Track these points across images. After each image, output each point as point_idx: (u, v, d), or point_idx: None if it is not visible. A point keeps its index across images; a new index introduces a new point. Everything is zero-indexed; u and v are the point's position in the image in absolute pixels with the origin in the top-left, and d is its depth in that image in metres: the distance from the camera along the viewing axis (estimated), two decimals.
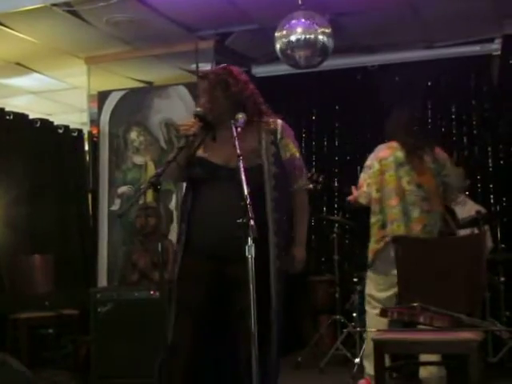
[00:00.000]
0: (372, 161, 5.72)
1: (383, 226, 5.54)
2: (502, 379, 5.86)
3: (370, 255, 5.64)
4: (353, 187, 5.81)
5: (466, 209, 7.05)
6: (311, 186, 4.13)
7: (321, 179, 6.06)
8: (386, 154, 5.65)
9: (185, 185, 3.99)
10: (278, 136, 3.89)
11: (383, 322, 5.38)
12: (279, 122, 3.97)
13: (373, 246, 5.60)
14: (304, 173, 4.00)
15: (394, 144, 5.67)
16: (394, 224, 5.49)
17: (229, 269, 3.69)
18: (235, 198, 3.36)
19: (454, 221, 5.68)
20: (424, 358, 5.25)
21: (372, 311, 5.63)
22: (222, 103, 3.86)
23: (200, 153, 3.81)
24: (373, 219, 5.65)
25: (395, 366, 5.15)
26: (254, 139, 3.84)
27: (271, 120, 3.95)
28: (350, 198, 5.80)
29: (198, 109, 3.81)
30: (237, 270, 3.52)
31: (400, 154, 5.60)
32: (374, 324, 5.46)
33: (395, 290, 5.34)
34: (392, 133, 5.78)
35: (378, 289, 5.60)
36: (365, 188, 5.68)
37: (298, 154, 3.95)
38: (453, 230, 5.62)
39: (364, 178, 5.73)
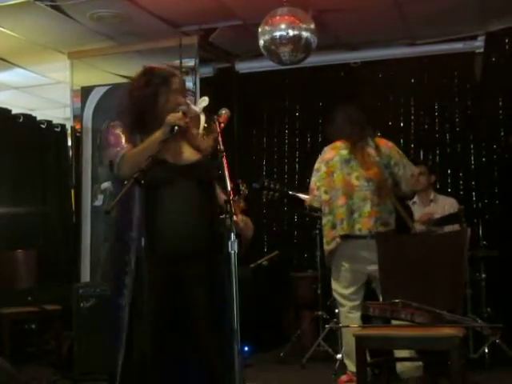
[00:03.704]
0: (319, 164, 5.81)
1: (333, 226, 5.64)
2: (483, 375, 5.89)
3: (326, 255, 5.79)
4: (304, 196, 5.92)
5: (440, 205, 7.08)
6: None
7: (277, 187, 6.09)
8: (331, 155, 5.75)
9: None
10: None
11: (353, 320, 5.46)
12: None
13: (326, 247, 5.73)
14: None
15: (338, 144, 5.77)
16: (343, 223, 5.57)
17: (190, 268, 3.74)
18: (195, 197, 3.59)
19: (409, 217, 5.73)
20: (398, 353, 5.32)
21: (342, 309, 5.72)
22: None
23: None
24: (324, 220, 5.76)
25: (377, 363, 5.17)
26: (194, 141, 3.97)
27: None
28: (306, 203, 5.92)
29: (183, 107, 3.83)
30: (198, 267, 3.72)
31: (344, 152, 5.69)
32: (346, 323, 5.55)
33: (358, 285, 5.61)
34: (335, 133, 5.84)
35: (341, 285, 5.71)
36: (315, 191, 5.78)
37: None
38: (409, 226, 5.68)
39: (314, 181, 5.82)
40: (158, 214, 3.72)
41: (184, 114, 3.75)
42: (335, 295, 5.80)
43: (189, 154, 3.88)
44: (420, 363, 5.47)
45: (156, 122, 3.74)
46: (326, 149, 5.86)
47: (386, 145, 5.76)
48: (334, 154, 5.73)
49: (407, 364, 5.44)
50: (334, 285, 5.79)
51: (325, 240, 5.74)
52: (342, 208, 5.58)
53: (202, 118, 4.02)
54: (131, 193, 3.60)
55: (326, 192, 5.70)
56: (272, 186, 6.02)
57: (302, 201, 5.98)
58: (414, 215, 6.09)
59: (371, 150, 5.67)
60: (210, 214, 3.81)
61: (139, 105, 3.84)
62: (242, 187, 6.10)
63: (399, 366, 5.49)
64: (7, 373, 4.07)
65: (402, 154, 5.80)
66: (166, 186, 3.75)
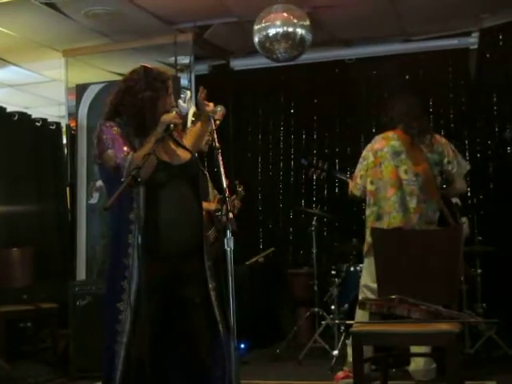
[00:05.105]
0: (367, 152, 5.73)
1: (378, 218, 5.56)
2: (479, 370, 5.90)
3: (365, 247, 5.67)
4: (349, 180, 5.87)
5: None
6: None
7: (326, 167, 6.06)
8: (381, 145, 5.66)
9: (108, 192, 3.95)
10: None
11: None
12: None
13: (368, 239, 5.59)
14: None
15: (390, 134, 5.68)
16: (390, 215, 5.50)
17: (186, 266, 3.81)
18: (189, 196, 3.79)
19: (451, 214, 5.68)
20: (413, 350, 5.30)
21: None
22: None
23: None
24: (368, 211, 5.67)
25: (374, 358, 5.17)
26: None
27: None
28: (349, 188, 5.88)
29: (177, 108, 3.88)
30: (192, 265, 3.81)
31: (396, 143, 5.62)
32: (364, 315, 5.49)
33: None
34: (392, 122, 5.75)
35: (373, 280, 5.48)
36: (358, 180, 5.72)
37: None
38: (451, 223, 5.63)
39: (359, 169, 5.75)
40: (158, 214, 3.74)
41: (177, 113, 3.79)
42: (362, 288, 5.70)
43: (181, 153, 3.90)
44: (434, 365, 5.47)
45: (155, 124, 3.75)
46: (376, 138, 5.78)
47: (439, 142, 5.69)
48: (384, 144, 5.65)
49: (420, 367, 5.45)
50: (366, 278, 5.68)
51: (367, 231, 5.60)
52: (391, 200, 5.51)
53: (190, 112, 4.05)
54: (128, 192, 3.59)
55: (371, 182, 5.63)
56: (320, 165, 5.99)
57: (346, 184, 5.95)
58: (458, 215, 5.94)
59: (424, 147, 5.61)
60: (200, 212, 3.92)
61: (141, 108, 3.83)
62: (239, 188, 6.10)
63: (412, 366, 5.51)
64: (3, 371, 4.07)
65: (456, 152, 5.74)
66: (165, 185, 3.77)
